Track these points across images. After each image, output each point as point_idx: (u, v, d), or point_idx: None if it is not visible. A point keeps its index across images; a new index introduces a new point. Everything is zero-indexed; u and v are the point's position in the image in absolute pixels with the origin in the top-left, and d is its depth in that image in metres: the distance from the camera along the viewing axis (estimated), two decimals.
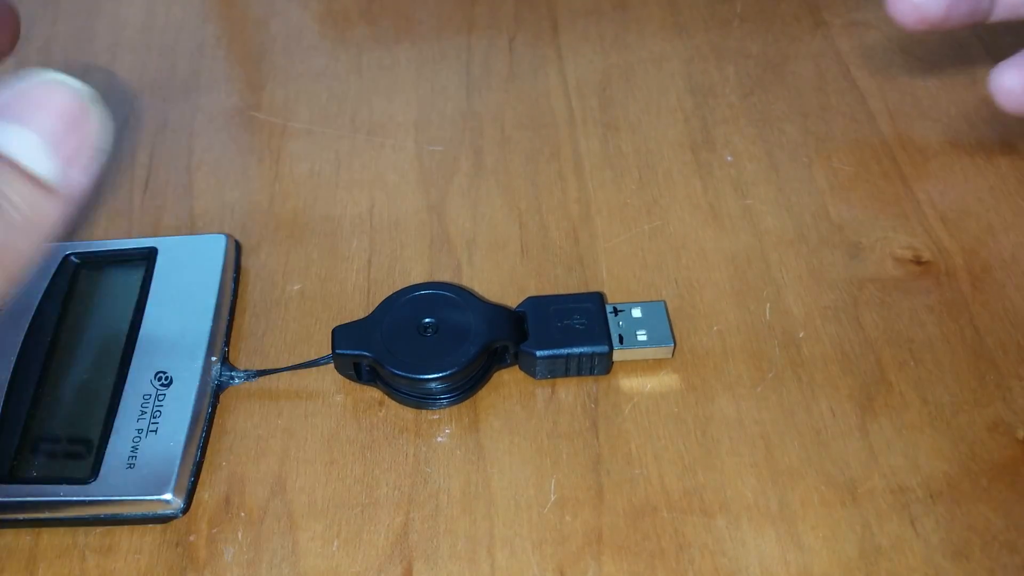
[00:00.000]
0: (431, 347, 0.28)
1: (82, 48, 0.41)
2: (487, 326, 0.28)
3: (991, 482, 0.26)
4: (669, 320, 0.29)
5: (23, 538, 0.26)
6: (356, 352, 0.28)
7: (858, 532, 0.26)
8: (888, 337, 0.29)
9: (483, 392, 0.29)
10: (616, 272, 0.32)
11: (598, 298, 0.29)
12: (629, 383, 0.29)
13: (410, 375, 0.27)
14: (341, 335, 0.28)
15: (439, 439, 0.28)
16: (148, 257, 0.30)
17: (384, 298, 0.29)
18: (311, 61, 0.40)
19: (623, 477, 0.27)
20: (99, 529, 0.26)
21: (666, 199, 0.34)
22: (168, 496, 0.26)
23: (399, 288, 0.29)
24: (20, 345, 0.28)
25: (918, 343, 0.29)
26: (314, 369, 0.29)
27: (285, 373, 0.29)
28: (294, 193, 0.35)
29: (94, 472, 0.26)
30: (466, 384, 0.28)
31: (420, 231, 0.33)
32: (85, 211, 0.34)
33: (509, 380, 0.29)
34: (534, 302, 0.29)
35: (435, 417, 0.28)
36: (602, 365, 0.28)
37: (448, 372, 0.27)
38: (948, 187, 0.33)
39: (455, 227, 0.33)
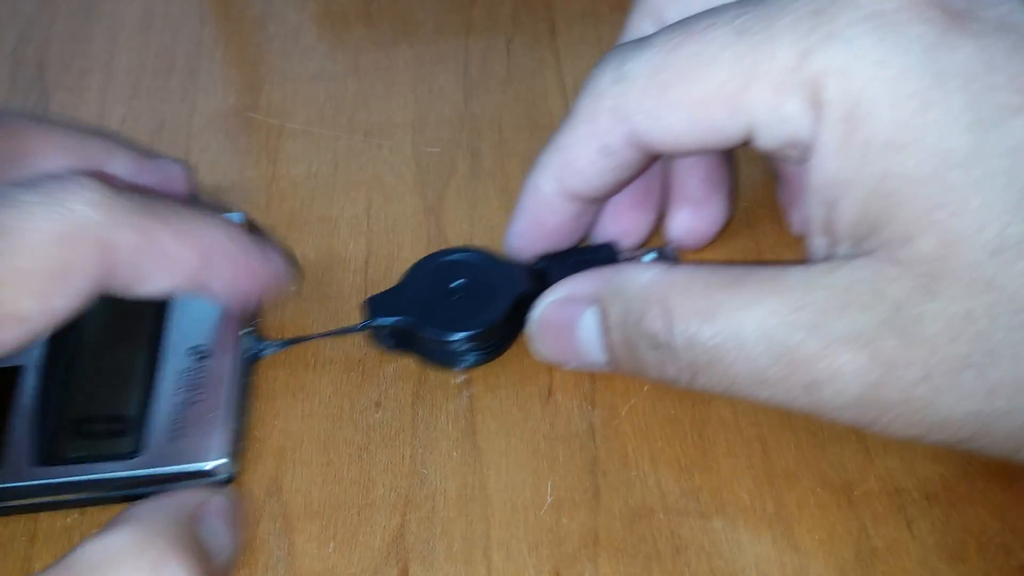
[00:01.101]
0: (464, 306, 0.29)
1: (80, 48, 0.41)
2: (513, 281, 0.29)
3: (987, 484, 0.26)
4: (677, 256, 0.31)
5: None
6: (393, 319, 0.29)
7: (854, 534, 0.26)
8: None
9: (480, 393, 0.29)
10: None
11: (610, 248, 0.30)
12: (626, 384, 0.29)
13: (449, 333, 0.28)
14: (376, 304, 0.29)
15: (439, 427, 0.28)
16: None
17: (409, 267, 0.30)
18: (309, 62, 0.40)
19: (620, 479, 0.27)
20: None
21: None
22: (221, 461, 0.26)
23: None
24: (48, 341, 0.28)
25: None
26: (312, 369, 0.29)
27: (311, 345, 0.29)
28: (291, 194, 0.35)
29: (139, 446, 0.26)
30: (499, 340, 0.29)
31: (417, 232, 0.33)
32: None
33: (506, 382, 0.29)
34: (552, 258, 0.30)
35: (432, 417, 0.28)
36: None
37: (485, 327, 0.28)
38: None
39: (452, 229, 0.33)
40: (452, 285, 0.29)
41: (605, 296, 0.26)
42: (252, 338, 0.29)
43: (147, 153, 0.31)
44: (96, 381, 0.28)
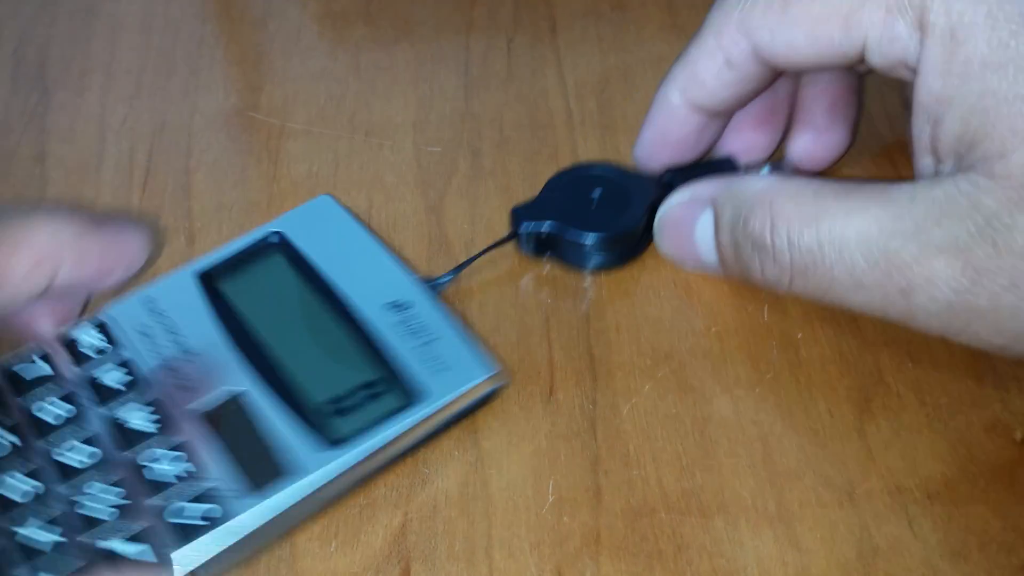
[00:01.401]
0: (604, 212, 0.31)
1: (81, 48, 0.41)
2: (645, 190, 0.32)
3: (989, 483, 0.26)
4: (794, 171, 0.32)
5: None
6: (540, 224, 0.31)
7: (856, 533, 0.26)
8: (886, 338, 0.29)
9: None
10: (615, 273, 0.32)
11: (731, 162, 0.32)
12: (627, 383, 0.29)
13: (592, 235, 0.31)
14: (520, 213, 0.31)
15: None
16: (282, 239, 0.30)
17: (546, 181, 0.32)
18: (309, 62, 0.40)
19: (621, 478, 0.27)
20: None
21: None
22: (496, 369, 0.27)
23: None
24: (243, 359, 0.27)
25: (915, 344, 0.29)
26: None
27: None
28: (292, 194, 0.35)
29: (411, 395, 0.27)
30: (635, 243, 0.32)
31: (418, 232, 0.33)
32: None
33: (508, 381, 0.29)
34: (677, 170, 0.32)
35: None
36: None
37: (627, 229, 0.31)
38: None
39: (453, 228, 0.33)
40: (590, 195, 0.32)
41: (720, 199, 0.28)
42: (424, 279, 0.30)
43: (101, 218, 0.27)
44: (321, 368, 0.28)
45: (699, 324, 0.30)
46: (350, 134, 0.37)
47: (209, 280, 0.29)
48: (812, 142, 0.32)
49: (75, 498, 0.25)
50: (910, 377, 0.29)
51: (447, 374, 0.27)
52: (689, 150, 0.31)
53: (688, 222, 0.30)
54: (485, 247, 0.32)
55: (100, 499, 0.25)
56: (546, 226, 0.31)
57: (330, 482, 0.26)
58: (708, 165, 0.32)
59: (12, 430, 0.26)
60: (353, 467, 0.26)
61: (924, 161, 0.26)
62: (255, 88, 0.39)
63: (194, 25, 0.42)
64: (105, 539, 0.24)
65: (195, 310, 0.29)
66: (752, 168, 0.32)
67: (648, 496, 0.27)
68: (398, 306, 0.28)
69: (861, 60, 0.26)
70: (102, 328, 0.28)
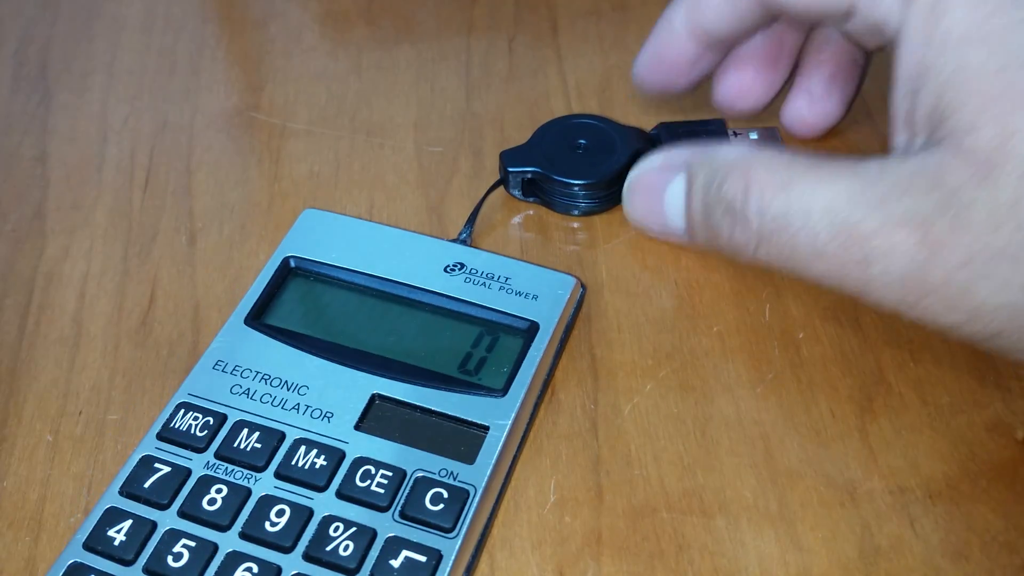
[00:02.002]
0: (588, 159, 0.33)
1: (82, 48, 0.41)
2: (629, 142, 0.33)
3: (990, 483, 0.26)
4: (781, 140, 0.34)
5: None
6: (526, 166, 0.33)
7: (857, 533, 0.26)
8: (887, 337, 0.29)
9: None
10: (616, 273, 0.32)
11: (722, 123, 0.34)
12: (628, 383, 0.29)
13: (575, 180, 0.32)
14: (508, 157, 0.33)
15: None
16: (297, 261, 0.31)
17: (537, 127, 0.34)
18: (310, 62, 0.40)
19: (623, 478, 0.27)
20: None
21: None
22: (572, 281, 0.30)
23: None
24: (351, 368, 0.28)
25: (917, 343, 0.29)
26: None
27: None
28: (293, 194, 0.35)
29: (528, 327, 0.29)
30: (616, 192, 0.33)
31: (419, 231, 0.33)
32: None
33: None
34: (666, 126, 0.34)
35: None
36: None
37: (607, 176, 0.32)
38: None
39: (455, 228, 0.33)
40: (576, 143, 0.33)
41: (695, 163, 0.28)
42: (451, 240, 0.32)
43: None
44: (429, 344, 0.29)
45: (700, 324, 0.30)
46: (351, 134, 0.37)
47: (259, 321, 0.29)
48: (805, 107, 0.33)
49: (313, 555, 0.24)
50: (912, 376, 0.28)
51: (541, 300, 0.29)
52: (683, 75, 0.32)
53: (659, 186, 0.30)
54: (481, 197, 0.33)
55: (346, 542, 0.24)
56: (532, 169, 0.33)
57: (516, 427, 0.27)
58: (698, 123, 0.34)
59: (176, 537, 0.24)
60: (524, 405, 0.27)
61: (899, 137, 0.26)
62: (256, 88, 0.39)
63: (195, 25, 0.42)
64: (391, 559, 0.24)
65: (270, 351, 0.28)
66: (742, 132, 0.33)
67: (649, 496, 0.27)
68: (452, 268, 0.30)
69: (850, 16, 0.27)
70: (188, 407, 0.27)
